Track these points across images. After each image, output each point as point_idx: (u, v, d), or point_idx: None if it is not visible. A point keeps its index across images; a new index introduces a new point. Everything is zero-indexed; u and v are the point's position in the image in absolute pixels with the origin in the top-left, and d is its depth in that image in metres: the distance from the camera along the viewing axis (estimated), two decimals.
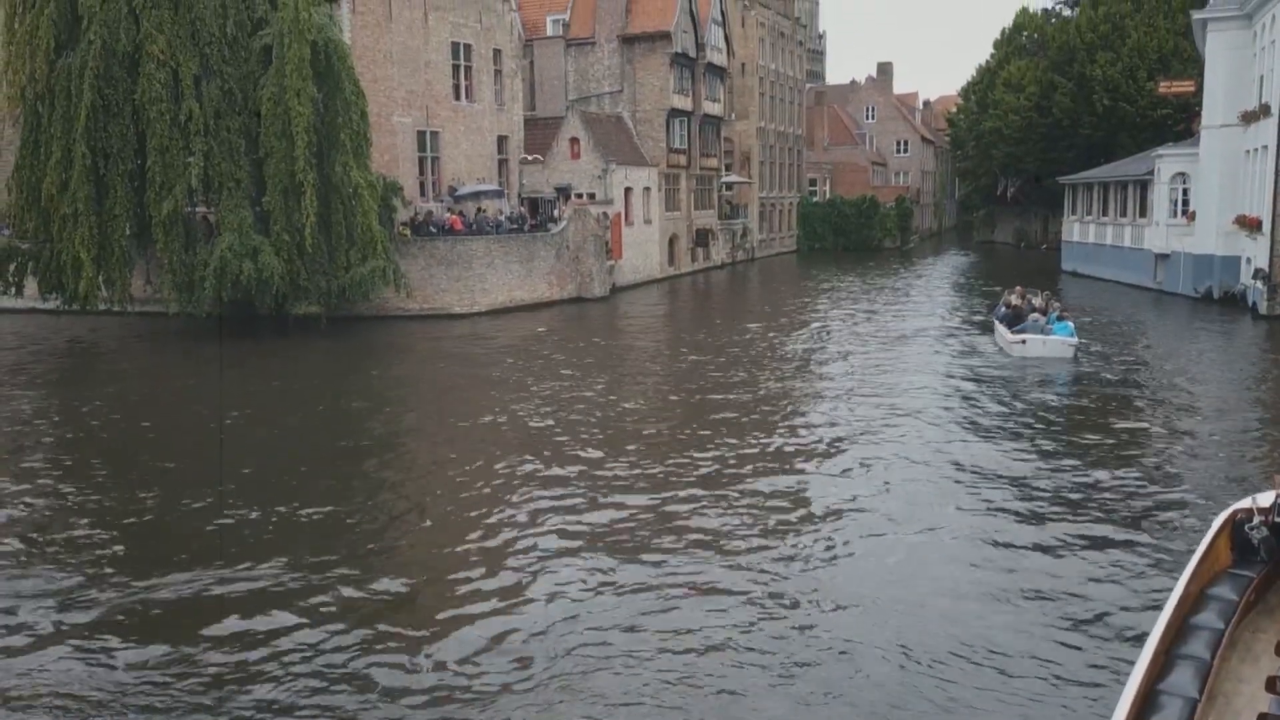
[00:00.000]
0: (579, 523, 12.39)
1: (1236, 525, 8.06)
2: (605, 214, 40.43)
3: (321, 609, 9.97)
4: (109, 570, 11.08)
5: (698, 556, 11.20)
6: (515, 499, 13.47)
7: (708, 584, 10.44)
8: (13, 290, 29.84)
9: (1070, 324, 23.96)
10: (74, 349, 28.62)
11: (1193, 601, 7.31)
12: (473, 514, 12.95)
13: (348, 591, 10.39)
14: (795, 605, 9.94)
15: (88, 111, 26.05)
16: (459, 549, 11.73)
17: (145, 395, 21.92)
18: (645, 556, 11.23)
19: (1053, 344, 23.09)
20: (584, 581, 10.57)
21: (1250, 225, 31.56)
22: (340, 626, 9.56)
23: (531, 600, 10.17)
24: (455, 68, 37.27)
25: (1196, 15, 37.12)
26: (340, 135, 27.69)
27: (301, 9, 26.67)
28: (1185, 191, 37.11)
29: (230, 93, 27.19)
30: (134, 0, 26.41)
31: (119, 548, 11.89)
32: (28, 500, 13.80)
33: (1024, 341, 23.38)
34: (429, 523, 12.92)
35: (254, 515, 12.85)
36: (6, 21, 27.87)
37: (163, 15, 26.35)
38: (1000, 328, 25.12)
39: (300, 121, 26.51)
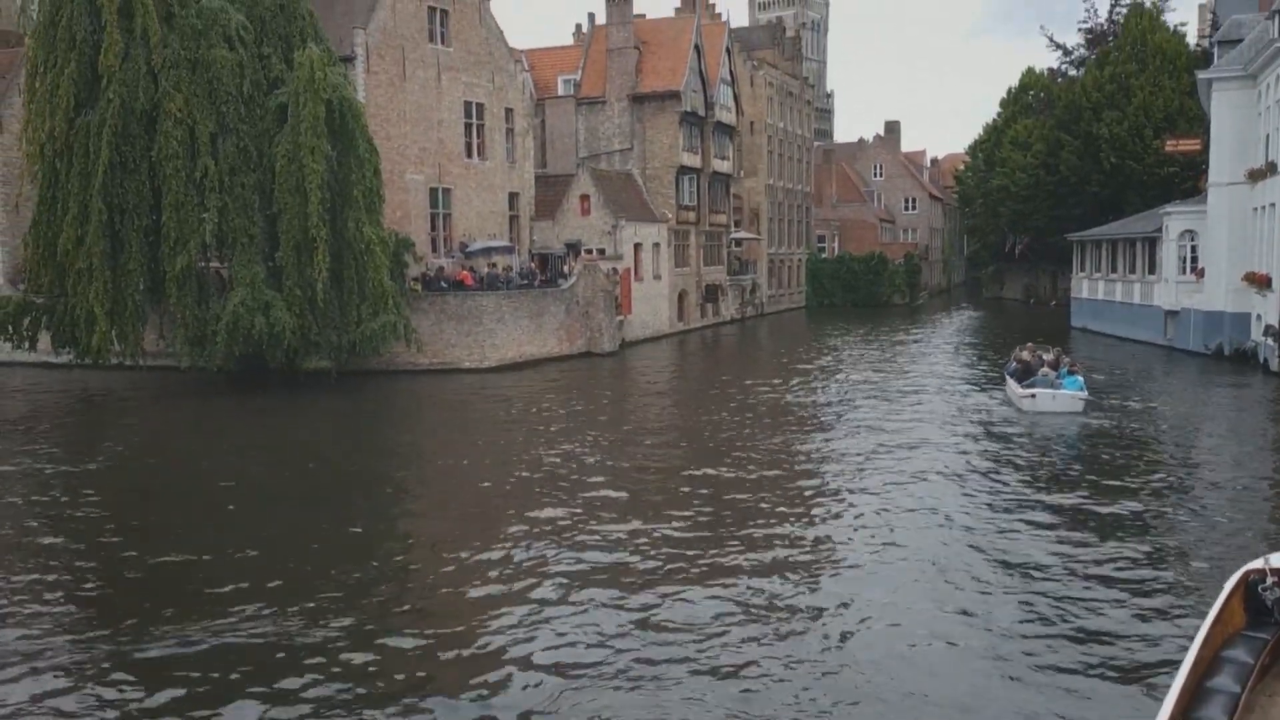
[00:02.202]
0: (586, 579, 12.29)
1: (1249, 586, 7.90)
2: (615, 270, 40.67)
3: (327, 661, 9.86)
4: (107, 623, 10.98)
5: (712, 611, 11.07)
6: (522, 556, 13.36)
7: (726, 642, 10.33)
8: (26, 344, 30.03)
9: (1080, 379, 23.88)
10: (86, 403, 28.71)
11: (1207, 665, 7.15)
12: (481, 570, 12.85)
13: (352, 645, 10.27)
14: (805, 661, 9.83)
15: (105, 168, 26.40)
16: (464, 601, 11.64)
17: (153, 449, 21.92)
18: (645, 609, 11.13)
19: (1062, 399, 23.02)
20: (592, 637, 10.46)
21: (1259, 282, 31.54)
22: (347, 681, 9.46)
23: (542, 653, 10.07)
24: (468, 126, 37.81)
25: (1201, 75, 37.52)
26: (353, 192, 28.03)
27: (317, 69, 27.14)
28: (1194, 249, 37.19)
29: (245, 150, 27.59)
30: (153, 60, 26.92)
31: (118, 601, 11.81)
32: (33, 550, 13.77)
33: (1034, 396, 23.29)
34: (433, 577, 12.82)
35: (257, 568, 12.77)
36: (27, 80, 28.43)
37: (181, 75, 26.87)
38: (1011, 382, 25.08)
39: (314, 178, 26.87)
